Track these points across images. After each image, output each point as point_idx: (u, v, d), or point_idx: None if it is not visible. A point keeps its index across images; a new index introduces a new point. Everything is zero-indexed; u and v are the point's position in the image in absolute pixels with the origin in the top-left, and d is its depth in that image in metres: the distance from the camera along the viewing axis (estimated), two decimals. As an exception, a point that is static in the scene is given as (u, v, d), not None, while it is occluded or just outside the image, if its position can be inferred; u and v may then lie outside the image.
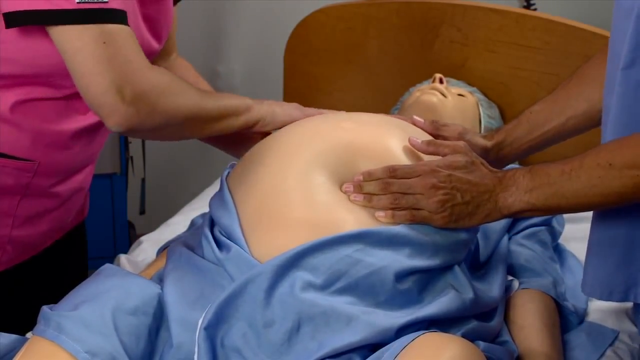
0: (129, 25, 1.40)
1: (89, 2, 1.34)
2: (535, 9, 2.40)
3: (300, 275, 1.32)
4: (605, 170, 1.26)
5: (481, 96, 2.09)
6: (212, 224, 1.47)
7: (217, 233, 1.43)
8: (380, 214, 1.38)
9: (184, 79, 1.49)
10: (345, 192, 1.40)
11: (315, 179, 1.40)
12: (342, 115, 1.58)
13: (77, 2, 1.34)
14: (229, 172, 1.53)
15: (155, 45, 1.61)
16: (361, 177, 1.40)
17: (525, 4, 2.43)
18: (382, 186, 1.38)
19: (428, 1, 2.23)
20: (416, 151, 1.46)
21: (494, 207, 1.36)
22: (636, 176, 1.24)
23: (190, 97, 1.47)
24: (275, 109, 1.59)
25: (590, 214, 1.39)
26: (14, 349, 1.37)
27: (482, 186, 1.36)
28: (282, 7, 2.57)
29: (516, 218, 1.64)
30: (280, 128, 1.58)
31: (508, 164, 1.59)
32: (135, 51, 1.39)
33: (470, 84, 2.15)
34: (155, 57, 1.65)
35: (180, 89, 1.45)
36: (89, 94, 1.38)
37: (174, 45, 1.78)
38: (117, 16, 1.37)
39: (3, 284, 1.68)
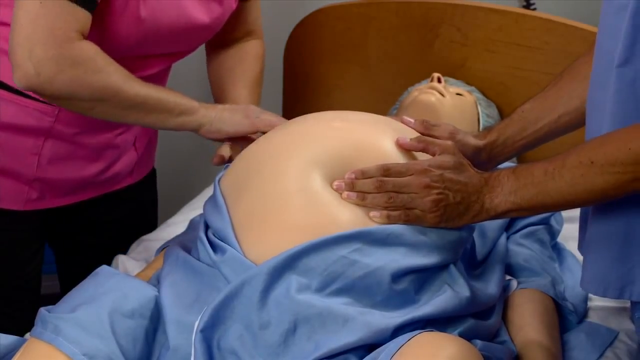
0: (90, 12, 1.46)
1: None
2: (535, 9, 2.40)
3: (295, 278, 1.32)
4: (587, 168, 1.27)
5: (480, 95, 2.09)
6: (207, 226, 1.46)
7: (211, 236, 1.43)
8: (375, 214, 1.38)
9: (110, 60, 1.51)
10: (336, 190, 1.39)
11: (308, 180, 1.40)
12: (332, 114, 1.57)
13: None
14: (222, 175, 1.53)
15: (200, 18, 1.64)
16: (353, 175, 1.39)
17: (525, 4, 2.42)
18: (376, 184, 1.38)
19: (428, 1, 2.23)
20: (409, 151, 1.46)
21: (481, 208, 1.36)
22: (617, 172, 1.24)
23: (106, 78, 1.50)
24: (224, 116, 1.60)
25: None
26: (13, 350, 1.38)
27: (471, 186, 1.37)
28: (282, 7, 2.56)
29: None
30: (227, 138, 1.62)
31: (500, 163, 1.60)
32: (68, 25, 1.45)
33: (469, 83, 2.15)
34: (208, 34, 1.71)
35: (97, 68, 1.48)
36: (9, 41, 1.45)
37: (241, 30, 1.83)
38: None
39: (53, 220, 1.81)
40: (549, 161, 1.32)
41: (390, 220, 1.37)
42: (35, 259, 1.82)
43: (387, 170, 1.39)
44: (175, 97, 1.57)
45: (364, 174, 1.39)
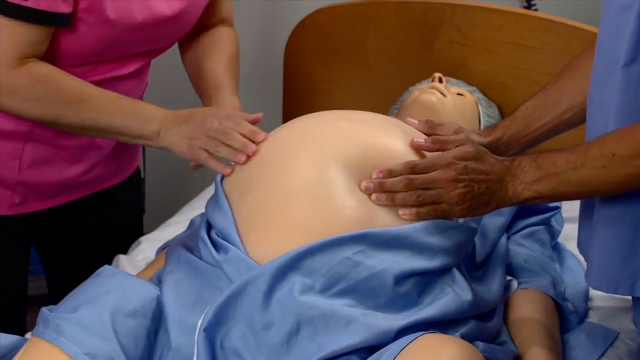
0: (51, 26, 1.48)
1: None
2: (536, 9, 2.40)
3: (299, 279, 1.32)
4: (609, 161, 1.29)
5: (480, 95, 2.09)
6: (209, 226, 1.46)
7: (213, 235, 1.43)
8: (404, 211, 1.38)
9: (57, 84, 1.54)
10: (364, 191, 1.39)
11: (313, 179, 1.39)
12: (336, 114, 1.56)
13: None
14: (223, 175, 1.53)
15: (167, 11, 1.63)
16: (381, 175, 1.39)
17: (525, 4, 2.43)
18: (405, 182, 1.38)
19: (428, 1, 2.24)
20: (420, 151, 1.46)
21: (504, 195, 1.38)
22: (639, 165, 1.27)
23: (41, 104, 1.54)
24: (173, 141, 1.55)
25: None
26: (14, 350, 1.38)
27: (494, 174, 1.38)
28: (282, 7, 2.57)
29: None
30: None
31: None
32: (9, 49, 1.48)
33: (470, 83, 2.15)
34: (181, 27, 1.70)
35: (32, 96, 1.52)
36: None
37: (214, 18, 1.82)
38: (20, 11, 1.46)
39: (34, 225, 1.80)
40: (571, 151, 1.34)
41: (420, 216, 1.38)
42: (21, 264, 1.81)
43: (413, 167, 1.39)
44: (130, 118, 1.56)
45: (391, 173, 1.39)
